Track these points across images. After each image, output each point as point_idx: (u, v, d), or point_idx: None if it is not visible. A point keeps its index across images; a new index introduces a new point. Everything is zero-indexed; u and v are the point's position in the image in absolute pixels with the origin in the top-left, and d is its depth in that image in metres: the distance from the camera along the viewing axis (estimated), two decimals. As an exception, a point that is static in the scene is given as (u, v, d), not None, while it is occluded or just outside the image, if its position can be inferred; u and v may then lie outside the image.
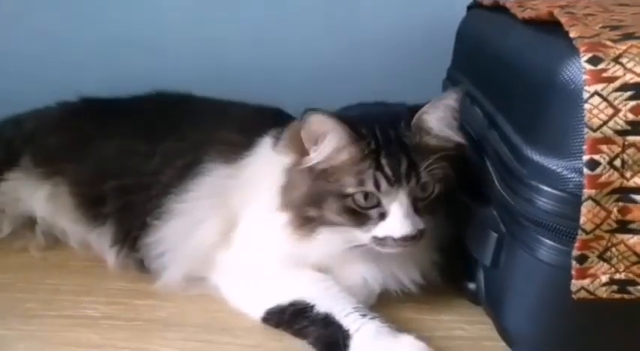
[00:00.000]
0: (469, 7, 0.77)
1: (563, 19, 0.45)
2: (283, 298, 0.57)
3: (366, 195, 0.55)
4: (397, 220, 0.54)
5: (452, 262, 0.61)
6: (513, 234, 0.49)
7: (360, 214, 0.56)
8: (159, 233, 0.65)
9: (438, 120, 0.56)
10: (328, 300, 0.56)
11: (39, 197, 0.74)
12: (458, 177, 0.57)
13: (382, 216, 0.55)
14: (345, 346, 0.52)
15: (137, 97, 0.79)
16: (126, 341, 0.57)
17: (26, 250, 0.73)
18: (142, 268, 0.66)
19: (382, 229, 0.55)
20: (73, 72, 0.90)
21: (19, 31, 0.94)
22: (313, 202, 0.57)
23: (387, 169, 0.54)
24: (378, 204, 0.55)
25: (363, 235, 0.56)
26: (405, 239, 0.55)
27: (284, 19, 0.91)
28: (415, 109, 0.57)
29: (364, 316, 0.54)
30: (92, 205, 0.70)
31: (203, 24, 0.91)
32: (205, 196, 0.65)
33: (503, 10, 0.60)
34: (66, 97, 0.80)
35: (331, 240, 0.58)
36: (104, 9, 0.92)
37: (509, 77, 0.55)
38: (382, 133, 0.56)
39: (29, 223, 0.75)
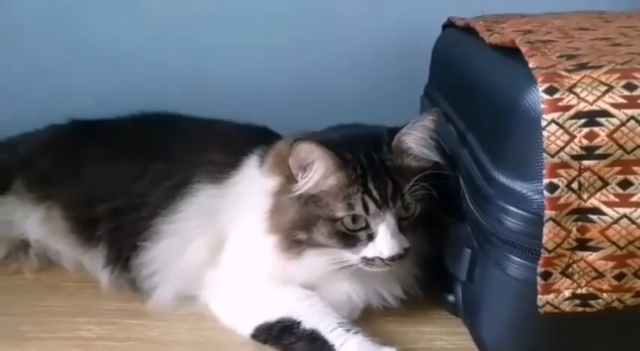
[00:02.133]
0: (444, 26, 0.78)
1: (523, 49, 0.47)
2: (271, 315, 0.59)
3: (355, 218, 0.57)
4: (386, 240, 0.56)
5: (432, 275, 0.63)
6: (485, 250, 0.52)
7: (349, 236, 0.58)
8: (149, 254, 0.66)
9: (417, 141, 0.59)
10: (314, 316, 0.57)
11: (32, 221, 0.75)
12: (437, 194, 0.59)
13: (370, 237, 0.57)
14: (331, 360, 0.54)
15: (125, 118, 0.81)
16: (119, 361, 0.58)
17: (20, 273, 0.73)
18: (135, 287, 0.68)
19: (371, 250, 0.57)
20: (59, 92, 0.91)
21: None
22: (302, 226, 0.59)
23: (375, 193, 0.56)
24: (367, 226, 0.57)
25: (352, 256, 0.58)
26: (393, 259, 0.57)
27: (266, 40, 0.92)
28: (394, 131, 0.59)
29: (348, 330, 0.56)
30: (85, 228, 0.72)
31: (186, 42, 0.92)
32: (194, 217, 0.66)
33: (473, 32, 0.63)
34: (53, 118, 0.81)
35: (319, 261, 0.60)
36: (90, 26, 0.92)
37: (478, 99, 0.57)
38: (366, 157, 0.58)
39: (23, 245, 0.75)
